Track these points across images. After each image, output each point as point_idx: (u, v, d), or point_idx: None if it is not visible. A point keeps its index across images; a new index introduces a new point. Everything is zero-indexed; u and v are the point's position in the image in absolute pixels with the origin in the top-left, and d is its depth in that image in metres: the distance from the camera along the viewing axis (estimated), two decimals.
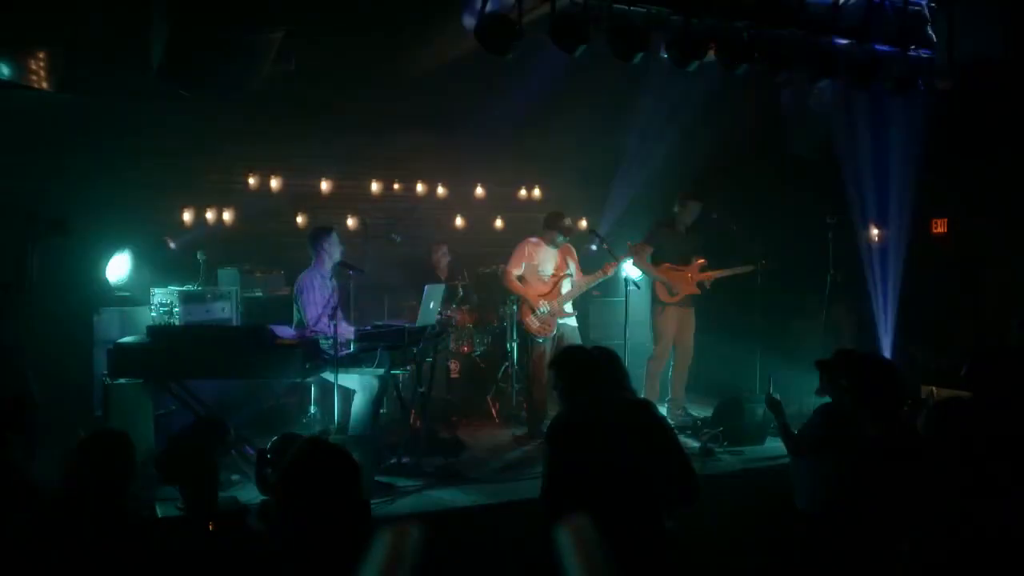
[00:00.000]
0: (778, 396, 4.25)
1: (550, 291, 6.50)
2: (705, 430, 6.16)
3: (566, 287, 6.51)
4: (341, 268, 6.50)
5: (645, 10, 5.56)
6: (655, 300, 6.90)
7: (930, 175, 7.11)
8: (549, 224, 6.54)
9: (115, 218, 6.42)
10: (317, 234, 6.28)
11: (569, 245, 6.73)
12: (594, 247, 7.69)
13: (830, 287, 6.91)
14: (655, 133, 7.99)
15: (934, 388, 5.95)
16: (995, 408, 3.28)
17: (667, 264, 6.85)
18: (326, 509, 2.24)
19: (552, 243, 6.56)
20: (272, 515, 2.75)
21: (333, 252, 6.13)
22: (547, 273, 6.53)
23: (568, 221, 6.61)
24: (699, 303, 6.99)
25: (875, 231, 7.62)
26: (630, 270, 6.46)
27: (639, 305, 6.96)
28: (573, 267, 6.63)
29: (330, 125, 7.62)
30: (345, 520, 2.23)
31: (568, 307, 6.54)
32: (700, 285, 6.91)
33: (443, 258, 7.75)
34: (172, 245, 6.87)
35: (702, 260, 6.93)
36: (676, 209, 6.95)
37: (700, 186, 7.33)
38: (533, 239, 6.62)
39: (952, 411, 3.38)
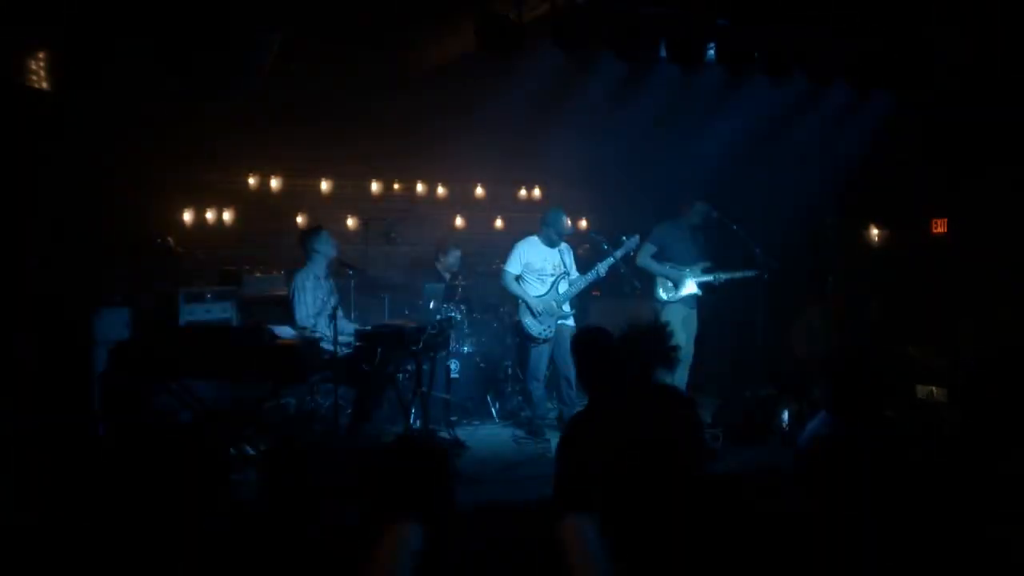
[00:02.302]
0: None
1: (547, 291, 6.49)
2: (707, 430, 6.15)
3: (563, 287, 6.51)
4: (340, 268, 6.50)
5: (646, 10, 5.57)
6: (656, 299, 6.89)
7: (929, 175, 7.12)
8: (547, 223, 6.54)
9: (115, 218, 6.42)
10: (306, 235, 6.29)
11: (567, 245, 6.73)
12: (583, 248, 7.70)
13: (831, 287, 6.93)
14: (656, 132, 7.98)
15: (934, 388, 5.96)
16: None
17: (670, 264, 6.85)
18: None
19: (550, 242, 6.55)
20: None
21: (326, 250, 6.12)
22: (545, 273, 6.52)
23: (566, 220, 6.61)
24: (701, 305, 6.97)
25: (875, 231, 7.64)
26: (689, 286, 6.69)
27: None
28: (571, 267, 6.63)
29: (330, 125, 7.61)
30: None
31: (566, 307, 6.53)
32: (702, 286, 6.89)
33: (451, 258, 7.74)
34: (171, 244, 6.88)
35: (706, 263, 6.91)
36: (681, 209, 6.97)
37: (701, 185, 7.33)
38: (531, 238, 6.62)
39: None
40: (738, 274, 6.86)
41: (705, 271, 6.87)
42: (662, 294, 6.85)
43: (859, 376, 2.93)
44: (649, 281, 6.88)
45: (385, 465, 2.27)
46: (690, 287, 6.84)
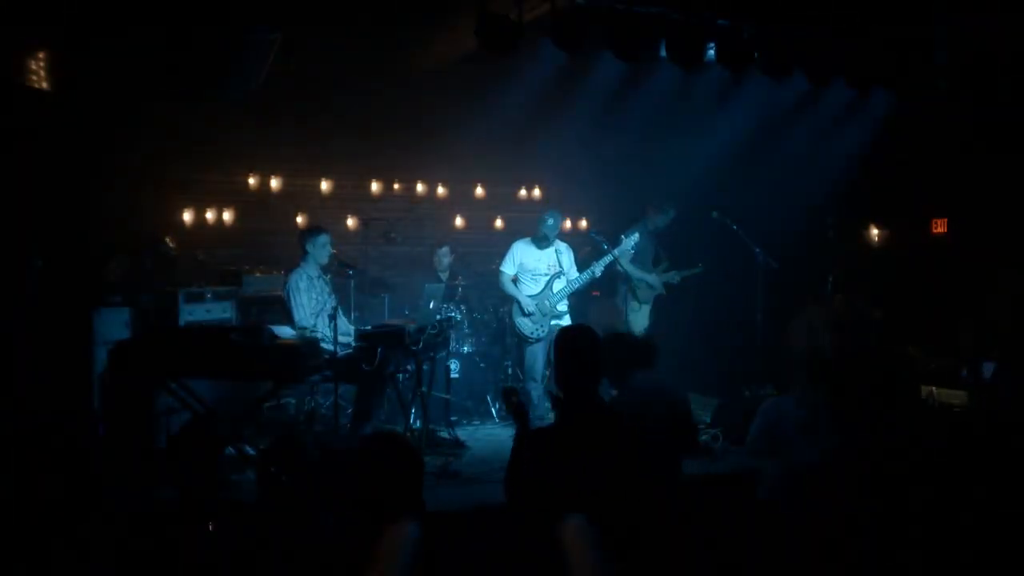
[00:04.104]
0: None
1: (541, 291, 6.50)
2: (706, 430, 6.14)
3: (557, 286, 6.51)
4: (340, 268, 6.49)
5: (646, 10, 5.57)
6: (634, 299, 7.01)
7: (929, 175, 7.12)
8: (540, 223, 6.56)
9: (115, 218, 6.42)
10: (303, 234, 6.24)
11: (566, 245, 6.73)
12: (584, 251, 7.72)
13: (831, 286, 6.93)
14: (656, 132, 7.98)
15: (934, 388, 5.95)
16: None
17: (637, 267, 6.92)
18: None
19: (545, 242, 6.56)
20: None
21: (317, 254, 6.08)
22: (539, 272, 6.53)
23: (559, 221, 6.64)
24: (665, 302, 7.25)
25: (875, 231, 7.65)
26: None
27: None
28: (568, 267, 6.62)
29: (330, 125, 7.62)
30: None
31: (561, 307, 6.52)
32: (667, 286, 7.12)
33: (443, 259, 7.75)
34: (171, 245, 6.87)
35: (665, 263, 7.18)
36: (648, 213, 7.05)
37: (701, 185, 7.35)
38: (525, 239, 6.64)
39: None
40: (689, 272, 7.22)
41: (666, 271, 7.14)
42: (640, 298, 6.93)
43: (861, 376, 2.95)
44: (617, 284, 6.95)
45: (357, 466, 2.28)
46: (659, 289, 7.08)
